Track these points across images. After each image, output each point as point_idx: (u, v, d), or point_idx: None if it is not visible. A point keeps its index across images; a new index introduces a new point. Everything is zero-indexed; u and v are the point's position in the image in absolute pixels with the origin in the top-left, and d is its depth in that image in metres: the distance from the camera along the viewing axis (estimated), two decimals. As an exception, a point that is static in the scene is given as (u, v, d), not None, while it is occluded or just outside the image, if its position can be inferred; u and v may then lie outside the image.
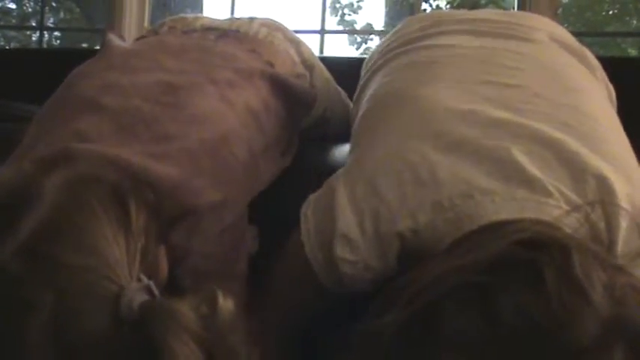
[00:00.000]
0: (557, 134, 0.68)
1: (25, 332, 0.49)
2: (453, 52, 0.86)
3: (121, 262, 0.56)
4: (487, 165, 0.66)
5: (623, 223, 0.61)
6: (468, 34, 0.91)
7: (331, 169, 0.77)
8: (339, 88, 1.21)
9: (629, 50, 4.70)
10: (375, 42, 6.00)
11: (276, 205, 0.86)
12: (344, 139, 1.09)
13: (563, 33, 0.97)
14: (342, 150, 1.03)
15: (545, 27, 0.95)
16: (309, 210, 0.74)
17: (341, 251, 0.69)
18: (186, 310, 0.53)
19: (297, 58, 1.05)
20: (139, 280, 0.57)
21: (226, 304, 0.57)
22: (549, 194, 0.63)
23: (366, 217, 0.68)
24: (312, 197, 0.76)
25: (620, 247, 0.61)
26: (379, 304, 0.57)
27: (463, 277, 0.50)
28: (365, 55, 1.23)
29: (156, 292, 0.55)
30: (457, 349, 0.48)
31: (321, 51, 2.48)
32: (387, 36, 1.06)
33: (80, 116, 0.77)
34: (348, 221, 0.68)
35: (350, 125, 1.16)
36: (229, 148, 0.80)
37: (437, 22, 0.97)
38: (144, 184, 0.67)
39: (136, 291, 0.53)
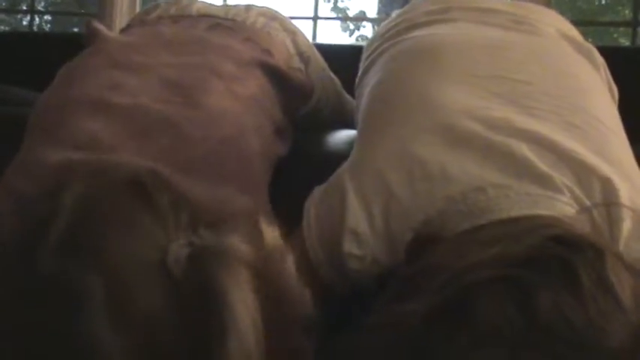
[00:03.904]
0: (564, 134, 0.68)
1: (82, 322, 0.47)
2: (461, 41, 0.85)
3: (157, 231, 0.53)
4: (498, 160, 0.66)
5: (626, 226, 0.62)
6: (477, 23, 0.90)
7: (325, 157, 0.77)
8: (334, 77, 1.20)
9: (621, 40, 4.71)
10: (367, 29, 5.97)
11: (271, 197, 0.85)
12: (336, 127, 1.09)
13: (570, 29, 0.97)
14: (335, 138, 1.03)
15: (554, 22, 0.94)
16: (312, 205, 0.73)
17: (349, 247, 0.68)
18: (233, 240, 0.51)
19: (293, 50, 1.03)
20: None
21: (272, 231, 0.57)
22: (560, 191, 0.63)
23: (376, 213, 0.67)
24: (316, 192, 0.75)
25: (621, 249, 0.61)
26: (394, 290, 0.57)
27: (499, 269, 0.51)
28: (358, 43, 1.21)
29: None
30: (489, 340, 0.48)
31: (314, 37, 2.48)
32: (392, 17, 1.04)
33: (89, 118, 0.74)
34: (357, 216, 0.68)
35: (344, 113, 1.15)
36: (246, 140, 0.79)
37: (445, 9, 0.95)
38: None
39: (180, 246, 0.51)
